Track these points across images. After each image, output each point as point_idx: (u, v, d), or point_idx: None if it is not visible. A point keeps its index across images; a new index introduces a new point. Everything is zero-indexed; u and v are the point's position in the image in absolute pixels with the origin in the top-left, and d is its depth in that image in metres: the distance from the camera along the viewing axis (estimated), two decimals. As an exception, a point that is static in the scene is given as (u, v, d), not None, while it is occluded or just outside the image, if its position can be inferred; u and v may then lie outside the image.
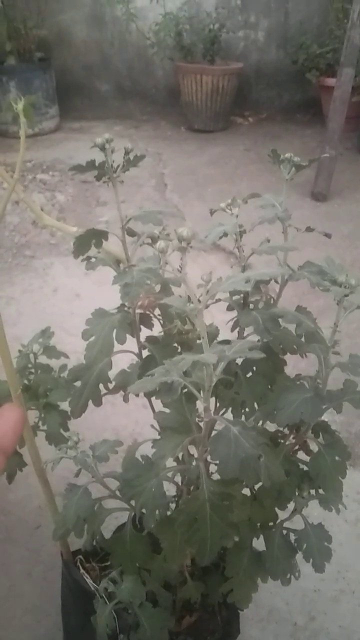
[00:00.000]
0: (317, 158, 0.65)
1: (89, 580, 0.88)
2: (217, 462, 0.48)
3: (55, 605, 1.12)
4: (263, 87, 4.63)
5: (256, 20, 4.36)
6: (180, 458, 0.68)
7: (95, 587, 0.83)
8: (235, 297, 0.67)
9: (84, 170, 0.55)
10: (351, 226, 2.67)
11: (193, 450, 0.73)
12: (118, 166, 0.57)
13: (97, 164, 0.54)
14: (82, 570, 0.91)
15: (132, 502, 0.62)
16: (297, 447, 0.75)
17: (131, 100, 4.74)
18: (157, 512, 0.55)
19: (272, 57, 4.48)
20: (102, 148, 0.54)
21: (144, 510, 0.58)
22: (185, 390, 0.64)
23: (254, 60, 4.49)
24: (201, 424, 0.56)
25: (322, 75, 4.02)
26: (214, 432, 0.54)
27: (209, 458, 0.61)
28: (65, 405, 1.02)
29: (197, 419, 0.59)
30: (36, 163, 3.50)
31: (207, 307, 0.43)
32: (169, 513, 0.62)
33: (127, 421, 1.63)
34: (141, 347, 0.74)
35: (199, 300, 0.44)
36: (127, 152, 0.57)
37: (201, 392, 0.51)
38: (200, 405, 0.66)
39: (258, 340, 0.62)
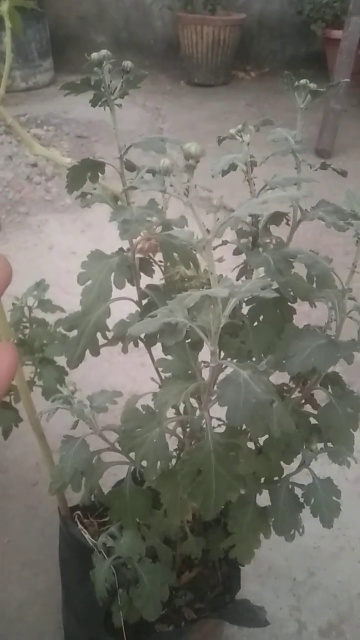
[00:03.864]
0: (337, 83, 0.59)
1: (87, 536, 0.86)
2: (224, 409, 0.44)
3: (54, 560, 1.11)
4: (266, 40, 4.45)
5: (260, -34, 4.15)
6: (182, 410, 0.65)
7: (93, 543, 0.82)
8: (243, 240, 0.62)
9: (77, 90, 0.49)
10: (356, 183, 2.59)
11: (195, 403, 0.70)
12: (116, 88, 0.51)
13: (93, 83, 0.48)
14: (80, 526, 0.89)
15: (132, 455, 0.58)
16: (303, 401, 0.72)
17: (128, 53, 4.55)
18: (158, 464, 0.52)
19: (275, 7, 4.28)
20: (99, 65, 0.49)
21: (144, 463, 0.55)
22: (188, 340, 0.60)
23: (256, 10, 4.29)
24: (205, 370, 0.53)
25: (328, 26, 3.85)
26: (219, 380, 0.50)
27: (210, 411, 0.58)
28: (61, 360, 0.99)
29: (202, 366, 0.55)
30: (30, 117, 3.37)
31: (221, 235, 0.39)
32: (170, 466, 0.59)
33: (125, 379, 1.60)
34: (141, 295, 0.69)
35: (207, 231, 0.39)
36: (125, 71, 0.51)
37: (208, 336, 0.47)
38: (203, 353, 0.62)
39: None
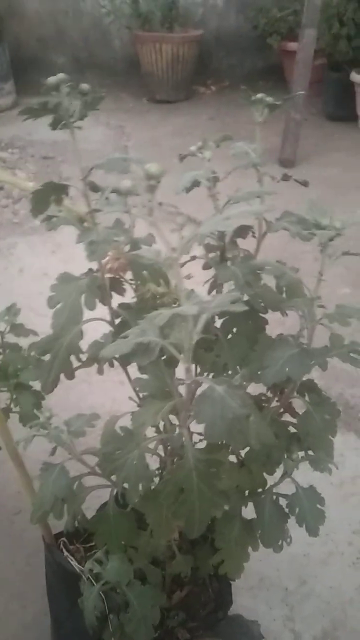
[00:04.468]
0: (293, 96, 0.61)
1: (73, 563, 0.84)
2: (203, 425, 0.44)
3: (41, 591, 1.08)
4: (224, 55, 4.52)
5: (214, -16, 4.23)
6: (162, 428, 0.64)
7: (80, 569, 0.80)
8: (211, 255, 0.63)
9: (36, 114, 0.49)
10: (319, 191, 2.65)
11: (175, 421, 0.70)
12: (74, 111, 0.51)
13: (51, 106, 0.48)
14: (66, 553, 0.87)
15: (113, 478, 0.58)
16: (282, 410, 0.72)
17: (89, 73, 4.57)
18: (140, 485, 0.51)
19: (232, 23, 4.37)
20: (56, 89, 0.49)
21: (126, 485, 0.54)
22: (164, 357, 0.60)
23: (213, 26, 4.36)
24: (182, 388, 0.52)
25: (283, 39, 3.93)
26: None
27: (191, 426, 0.57)
28: (37, 385, 0.97)
29: (178, 384, 0.54)
30: (-7, 141, 3.35)
31: (188, 252, 0.39)
32: (152, 486, 0.58)
33: (104, 399, 1.58)
34: (114, 314, 0.69)
35: (174, 249, 0.39)
36: (84, 94, 0.51)
37: (181, 353, 0.47)
38: (180, 370, 0.62)
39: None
